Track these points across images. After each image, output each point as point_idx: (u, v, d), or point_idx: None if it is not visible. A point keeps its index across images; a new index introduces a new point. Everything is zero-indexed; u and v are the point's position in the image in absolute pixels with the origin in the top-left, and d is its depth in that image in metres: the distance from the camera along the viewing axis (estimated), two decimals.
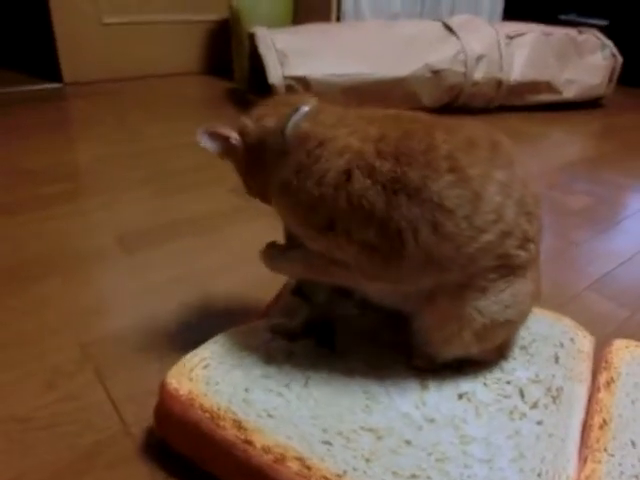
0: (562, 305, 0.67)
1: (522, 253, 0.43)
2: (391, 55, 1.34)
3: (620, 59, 1.61)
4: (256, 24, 1.42)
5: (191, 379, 0.44)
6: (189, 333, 0.58)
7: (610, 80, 1.63)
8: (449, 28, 1.43)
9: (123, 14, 1.59)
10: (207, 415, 0.41)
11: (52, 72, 1.55)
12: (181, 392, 0.43)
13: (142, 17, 1.62)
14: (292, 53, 1.27)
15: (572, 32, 1.57)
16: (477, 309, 0.43)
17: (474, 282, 0.43)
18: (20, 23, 1.90)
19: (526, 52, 1.48)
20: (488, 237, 0.41)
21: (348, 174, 0.41)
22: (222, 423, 0.41)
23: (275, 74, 1.25)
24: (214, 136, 0.47)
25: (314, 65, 1.27)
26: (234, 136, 0.47)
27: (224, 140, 0.47)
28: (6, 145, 1.08)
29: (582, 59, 1.56)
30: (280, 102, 0.48)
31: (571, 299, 0.70)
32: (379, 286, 0.46)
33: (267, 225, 0.84)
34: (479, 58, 1.41)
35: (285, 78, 1.26)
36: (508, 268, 0.43)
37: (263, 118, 0.46)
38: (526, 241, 0.43)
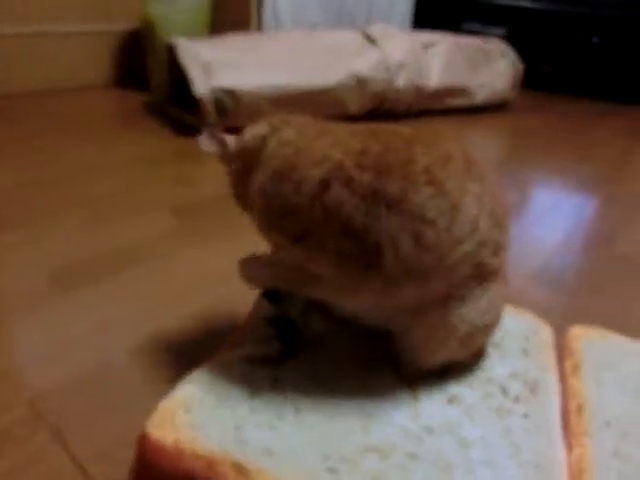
0: (513, 299, 0.71)
1: (495, 261, 0.45)
2: (317, 65, 1.35)
3: (521, 66, 1.76)
4: (171, 34, 1.36)
5: (174, 426, 0.40)
6: (153, 373, 0.54)
7: (514, 85, 1.77)
8: (368, 37, 1.48)
9: (23, 24, 1.45)
10: (202, 462, 0.38)
11: None
12: (167, 442, 0.39)
13: (45, 27, 1.49)
14: (218, 64, 1.23)
15: (478, 41, 1.69)
16: (460, 317, 0.44)
17: (454, 292, 0.44)
18: None
19: (441, 60, 1.56)
20: (466, 247, 0.42)
21: (326, 184, 0.41)
22: (220, 469, 0.37)
23: (201, 86, 1.21)
24: (214, 139, 0.48)
25: (242, 76, 1.25)
26: (230, 141, 0.48)
27: (222, 144, 0.48)
28: None
29: (489, 66, 1.68)
30: (275, 118, 0.49)
31: (518, 292, 0.75)
32: (359, 301, 0.45)
33: (213, 247, 0.82)
34: (400, 66, 1.47)
35: (212, 90, 1.22)
36: (483, 275, 0.44)
37: (256, 127, 0.47)
38: (498, 249, 0.45)
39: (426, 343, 0.45)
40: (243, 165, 0.47)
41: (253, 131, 0.48)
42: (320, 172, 0.41)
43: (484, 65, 1.67)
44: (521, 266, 0.83)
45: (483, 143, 1.51)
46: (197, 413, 0.42)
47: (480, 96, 1.68)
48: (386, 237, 0.40)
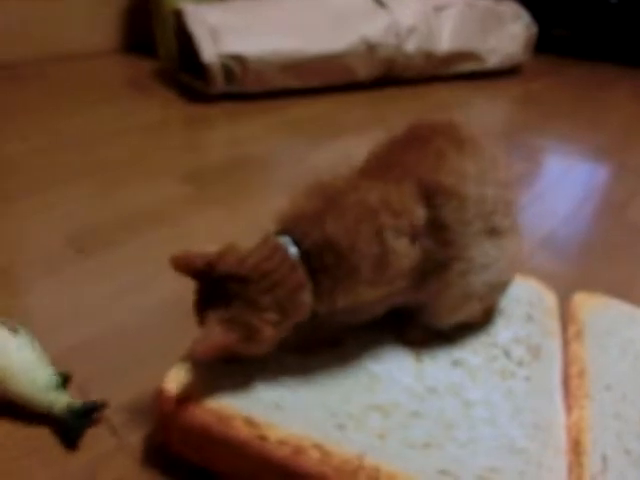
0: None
1: (506, 221, 0.46)
2: (325, 29, 1.32)
3: (534, 28, 1.71)
4: None
5: (189, 383, 0.42)
6: (168, 334, 0.55)
7: (527, 49, 1.72)
8: (378, 1, 1.44)
9: None
10: (214, 417, 0.40)
11: None
12: (181, 398, 0.41)
13: None
14: (225, 30, 1.21)
15: (491, 3, 1.64)
16: (478, 278, 0.46)
17: (471, 256, 0.45)
18: None
19: (452, 23, 1.52)
20: (478, 225, 0.44)
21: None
22: (232, 422, 0.39)
23: (209, 52, 1.19)
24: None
25: (250, 42, 1.23)
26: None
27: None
28: None
29: (502, 29, 1.64)
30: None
31: (524, 260, 0.75)
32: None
33: (225, 212, 0.83)
34: (410, 30, 1.44)
35: (220, 56, 1.20)
36: (497, 236, 0.46)
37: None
38: (508, 209, 0.47)
39: (445, 306, 0.47)
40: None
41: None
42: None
43: (496, 28, 1.62)
44: (529, 233, 0.83)
45: (493, 109, 1.49)
46: (210, 371, 0.43)
47: (492, 61, 1.64)
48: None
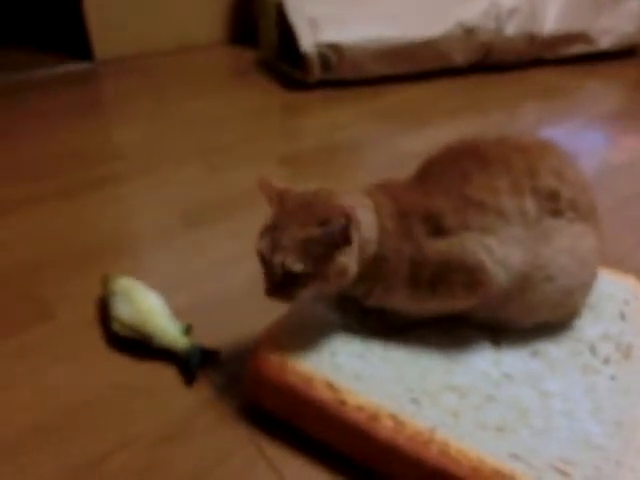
0: (618, 262, 0.68)
1: (571, 225, 0.47)
2: (421, 15, 1.31)
3: None
4: None
5: (279, 346, 0.47)
6: (265, 302, 0.61)
7: None
8: None
9: None
10: (300, 379, 0.44)
11: (82, 49, 1.54)
12: (272, 358, 0.46)
13: None
14: (323, 19, 1.25)
15: None
16: (551, 282, 0.47)
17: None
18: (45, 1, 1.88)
19: (559, 2, 1.42)
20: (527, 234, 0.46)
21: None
22: (315, 386, 0.44)
23: (307, 42, 1.24)
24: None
25: (346, 31, 1.25)
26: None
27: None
28: (46, 129, 1.08)
29: (617, 6, 1.50)
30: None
31: (623, 257, 0.71)
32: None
33: None
34: (511, 12, 1.37)
35: (317, 45, 1.24)
36: (556, 241, 0.46)
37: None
38: (575, 210, 0.47)
39: (522, 311, 0.48)
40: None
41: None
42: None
43: (610, 6, 1.49)
44: (628, 231, 0.78)
45: (607, 95, 1.38)
46: (299, 339, 0.48)
47: (603, 42, 1.51)
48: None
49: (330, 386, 0.44)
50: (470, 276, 0.44)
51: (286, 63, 1.37)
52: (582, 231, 0.47)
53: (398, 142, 1.06)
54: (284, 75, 1.37)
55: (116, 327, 0.56)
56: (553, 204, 0.46)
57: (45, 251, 0.72)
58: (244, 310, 0.60)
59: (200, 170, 0.95)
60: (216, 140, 1.06)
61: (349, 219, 0.41)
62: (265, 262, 0.43)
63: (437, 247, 0.45)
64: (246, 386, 0.48)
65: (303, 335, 0.48)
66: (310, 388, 0.44)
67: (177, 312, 0.58)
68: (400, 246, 0.45)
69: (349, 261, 0.43)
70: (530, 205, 0.45)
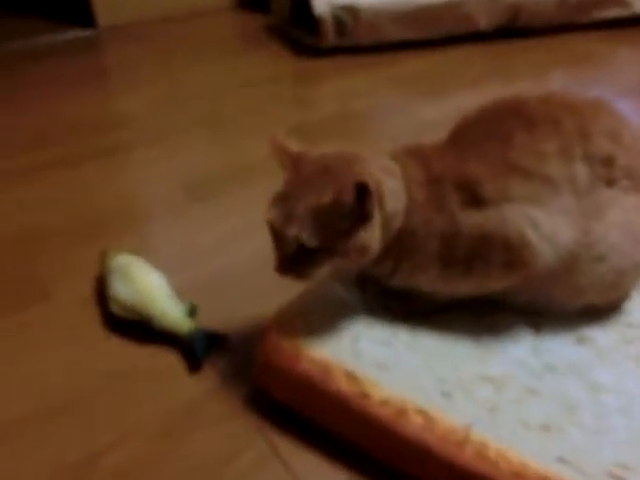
0: None
1: (627, 182, 0.41)
2: None
3: None
4: None
5: (294, 330, 0.42)
6: (274, 279, 0.56)
7: None
8: None
9: None
10: (317, 368, 0.40)
11: (85, 16, 1.48)
12: (284, 344, 0.41)
13: None
14: None
15: None
16: (601, 261, 0.41)
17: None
18: None
19: None
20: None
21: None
22: (334, 376, 0.39)
23: (320, 4, 1.16)
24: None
25: None
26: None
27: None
28: (50, 97, 1.05)
29: None
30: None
31: None
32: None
33: None
34: None
35: (331, 7, 1.17)
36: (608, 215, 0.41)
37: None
38: (629, 169, 0.41)
39: (567, 293, 0.43)
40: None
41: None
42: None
43: None
44: None
45: (637, 60, 1.29)
46: (315, 321, 0.43)
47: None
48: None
49: (350, 376, 0.39)
50: (511, 254, 0.39)
51: (298, 29, 1.30)
52: (637, 203, 0.41)
53: (417, 111, 0.99)
54: (296, 41, 1.31)
55: (114, 308, 0.52)
56: (607, 171, 0.40)
57: (45, 224, 0.68)
58: (254, 289, 0.55)
59: (207, 141, 0.90)
60: (224, 109, 1.01)
61: (369, 191, 0.35)
62: (276, 235, 0.38)
63: (473, 219, 0.39)
64: (255, 374, 0.44)
65: (319, 318, 0.43)
66: (327, 378, 0.39)
67: (181, 291, 0.53)
68: (430, 218, 0.39)
69: (371, 236, 0.37)
70: (581, 172, 0.40)
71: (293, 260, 0.37)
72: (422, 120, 0.94)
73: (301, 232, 0.36)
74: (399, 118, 0.98)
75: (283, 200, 0.38)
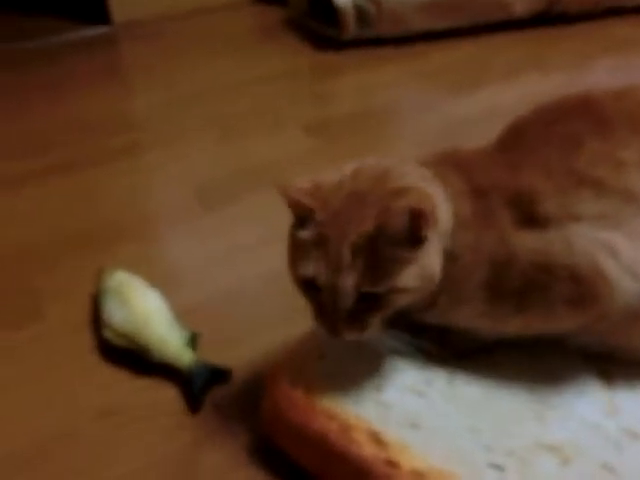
0: None
1: None
2: None
3: None
4: None
5: (306, 373, 0.35)
6: (285, 299, 0.50)
7: None
8: None
9: None
10: (334, 425, 0.32)
11: (100, 13, 1.46)
12: (296, 394, 0.34)
13: None
14: None
15: None
16: None
17: None
18: None
19: None
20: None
21: None
22: (355, 436, 0.32)
23: None
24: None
25: None
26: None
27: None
28: (60, 97, 1.02)
29: None
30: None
31: None
32: None
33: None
34: None
35: None
36: None
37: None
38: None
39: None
40: None
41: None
42: None
43: None
44: None
45: None
46: (332, 363, 0.36)
47: None
48: None
49: (375, 438, 0.32)
50: (580, 287, 0.31)
51: (318, 21, 1.24)
52: None
53: (447, 108, 0.92)
54: (315, 33, 1.26)
55: (108, 335, 0.46)
56: None
57: (43, 236, 0.64)
58: (262, 313, 0.50)
59: (220, 141, 0.85)
60: (239, 107, 0.96)
61: (423, 214, 0.29)
62: (326, 291, 0.31)
63: (530, 242, 0.32)
64: (262, 421, 0.37)
65: (336, 361, 0.36)
66: (347, 440, 0.32)
67: (183, 312, 0.48)
68: (477, 240, 0.32)
69: (433, 260, 0.31)
70: None
71: (351, 314, 0.31)
72: (451, 118, 0.87)
73: (362, 278, 0.30)
74: (426, 116, 0.91)
75: (317, 247, 0.31)
